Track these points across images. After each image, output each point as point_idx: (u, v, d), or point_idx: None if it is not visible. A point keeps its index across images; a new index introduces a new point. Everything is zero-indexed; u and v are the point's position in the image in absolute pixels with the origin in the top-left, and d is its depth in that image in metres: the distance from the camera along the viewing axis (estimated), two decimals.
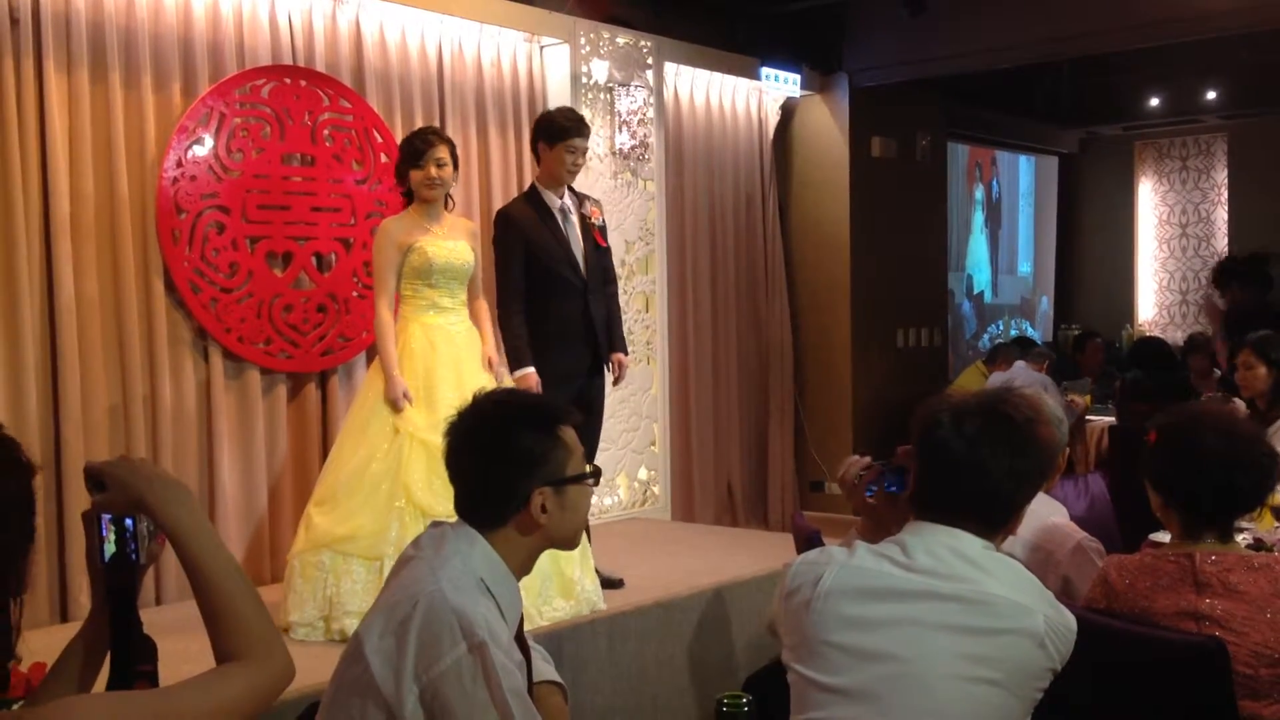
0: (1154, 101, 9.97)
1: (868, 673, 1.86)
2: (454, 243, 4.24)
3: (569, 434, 1.96)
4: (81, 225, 4.34)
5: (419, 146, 4.19)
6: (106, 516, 1.48)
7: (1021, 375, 6.66)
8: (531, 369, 4.34)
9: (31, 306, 4.20)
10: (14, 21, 4.16)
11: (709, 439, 7.03)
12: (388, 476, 3.96)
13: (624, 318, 5.07)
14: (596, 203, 4.69)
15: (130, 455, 1.54)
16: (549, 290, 4.48)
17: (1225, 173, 10.46)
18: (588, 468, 1.99)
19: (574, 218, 4.53)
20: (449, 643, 1.71)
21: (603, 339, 4.54)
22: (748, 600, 4.55)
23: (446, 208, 4.36)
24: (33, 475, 1.32)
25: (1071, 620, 1.91)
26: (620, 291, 5.04)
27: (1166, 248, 10.89)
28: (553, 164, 4.47)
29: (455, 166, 4.29)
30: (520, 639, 1.88)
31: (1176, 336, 9.54)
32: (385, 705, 1.72)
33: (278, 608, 3.91)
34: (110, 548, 1.48)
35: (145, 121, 4.53)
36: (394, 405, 4.03)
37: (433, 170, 4.18)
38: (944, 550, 1.90)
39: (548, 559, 3.90)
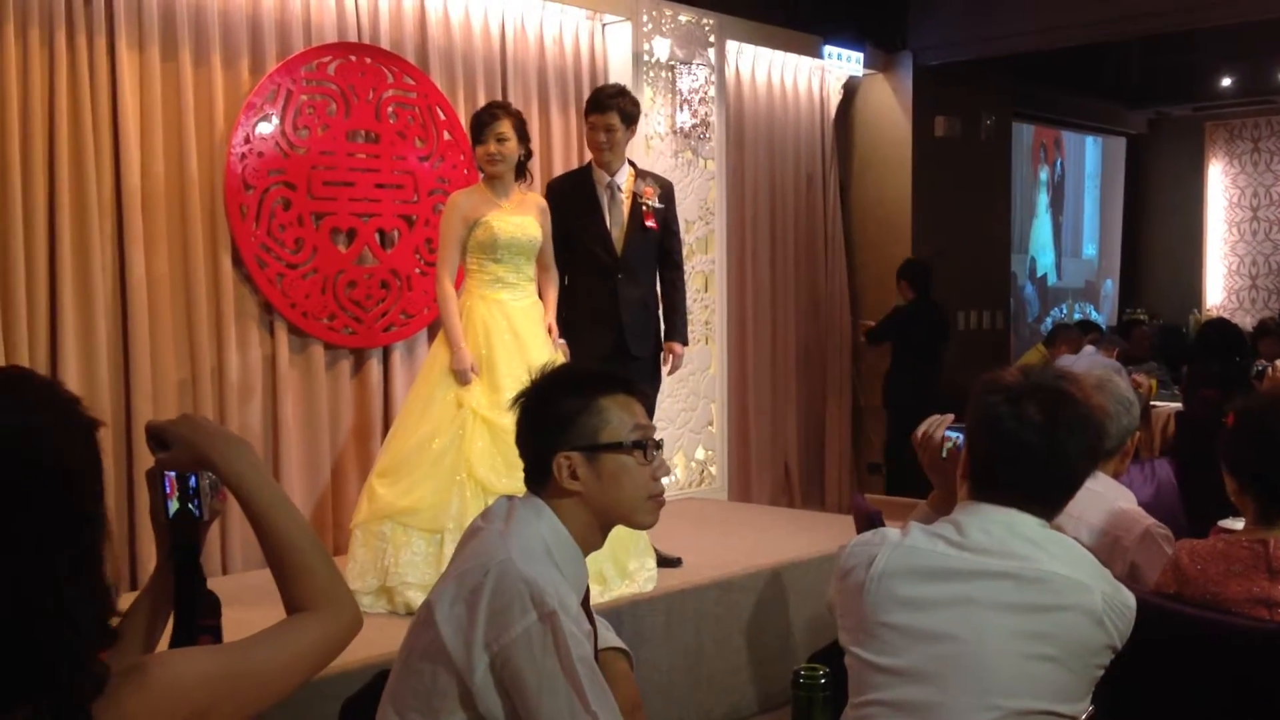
0: (1226, 81, 9.76)
1: (925, 653, 1.84)
2: (521, 218, 4.21)
3: (615, 402, 1.93)
4: (152, 201, 4.41)
5: (482, 120, 4.20)
6: (170, 474, 1.51)
7: (1089, 360, 6.56)
8: (562, 340, 4.36)
9: (104, 281, 4.28)
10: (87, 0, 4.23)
11: (766, 419, 7.01)
12: (451, 450, 3.97)
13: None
14: (656, 182, 4.59)
15: (192, 414, 1.56)
16: (580, 267, 4.49)
17: None
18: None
19: (622, 196, 4.49)
20: (519, 611, 1.72)
21: (628, 322, 4.45)
22: (806, 581, 4.54)
23: (523, 180, 4.34)
24: (94, 431, 1.28)
25: (1130, 598, 1.89)
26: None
27: (1236, 231, 10.68)
28: (587, 139, 4.53)
29: (524, 140, 4.25)
30: (586, 609, 1.89)
31: (1246, 321, 9.36)
32: (456, 672, 1.74)
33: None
34: (174, 504, 1.51)
35: (214, 98, 4.59)
36: (460, 377, 4.02)
37: (492, 146, 4.17)
38: (999, 529, 1.88)
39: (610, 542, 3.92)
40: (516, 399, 1.98)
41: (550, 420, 1.91)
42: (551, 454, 1.89)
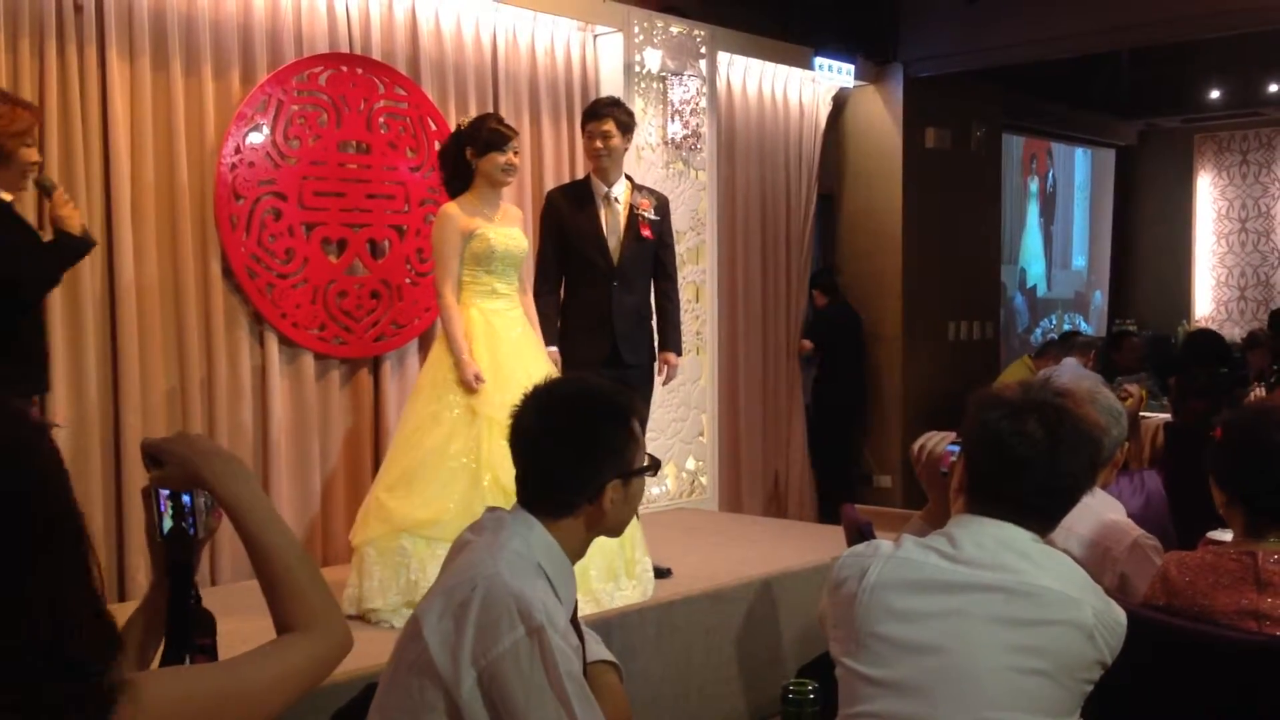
0: (1215, 93, 9.80)
1: (915, 665, 1.85)
2: (509, 229, 4.26)
3: (637, 426, 1.99)
4: (142, 211, 4.41)
5: (504, 132, 4.21)
6: (164, 492, 1.50)
7: (1072, 372, 6.55)
8: (554, 348, 4.43)
9: (92, 290, 4.27)
10: (78, 9, 4.23)
11: (757, 430, 7.01)
12: (471, 460, 3.93)
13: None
14: (652, 195, 4.66)
15: (187, 431, 1.55)
16: (577, 275, 4.55)
17: None
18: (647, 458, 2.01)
19: (619, 206, 4.54)
20: (507, 626, 1.72)
21: (622, 330, 4.49)
22: (796, 592, 4.54)
23: None
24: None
25: (1121, 614, 1.89)
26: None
27: (1225, 242, 10.72)
28: (585, 149, 4.58)
29: None
30: (574, 623, 1.89)
31: (1234, 333, 9.39)
32: (443, 686, 1.74)
33: (335, 589, 3.92)
34: (168, 523, 1.50)
35: (205, 108, 4.58)
36: (468, 388, 4.00)
37: (513, 156, 4.21)
38: (991, 542, 1.89)
39: (614, 544, 3.92)
40: (531, 414, 1.95)
41: (601, 448, 1.93)
42: (604, 484, 1.91)
